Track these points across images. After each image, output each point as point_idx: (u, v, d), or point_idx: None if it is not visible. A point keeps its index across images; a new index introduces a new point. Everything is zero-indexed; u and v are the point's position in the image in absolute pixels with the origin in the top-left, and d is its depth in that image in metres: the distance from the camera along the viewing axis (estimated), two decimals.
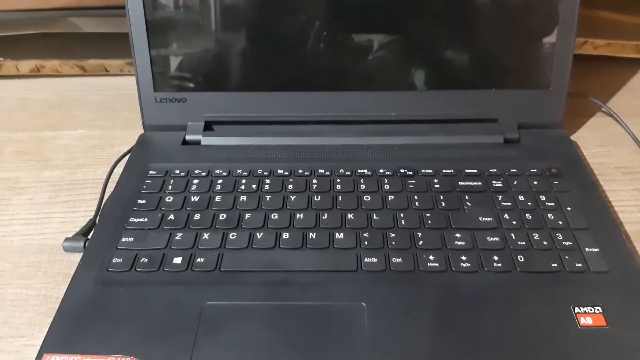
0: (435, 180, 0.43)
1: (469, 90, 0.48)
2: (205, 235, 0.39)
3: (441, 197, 0.42)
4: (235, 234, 0.39)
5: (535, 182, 0.43)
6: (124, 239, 0.39)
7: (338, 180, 0.43)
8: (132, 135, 0.50)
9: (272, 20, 0.47)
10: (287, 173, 0.44)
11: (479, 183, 0.43)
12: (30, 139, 0.54)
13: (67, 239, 0.40)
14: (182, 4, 0.47)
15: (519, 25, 0.47)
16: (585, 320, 0.33)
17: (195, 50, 0.48)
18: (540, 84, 0.48)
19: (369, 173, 0.44)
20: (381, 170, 0.44)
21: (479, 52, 0.48)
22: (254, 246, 0.38)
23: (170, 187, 0.43)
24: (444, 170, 0.44)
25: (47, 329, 0.33)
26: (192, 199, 0.42)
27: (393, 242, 0.38)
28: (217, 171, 0.45)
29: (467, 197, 0.42)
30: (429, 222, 0.40)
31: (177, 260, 0.37)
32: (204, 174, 0.44)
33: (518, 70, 0.49)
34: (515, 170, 0.44)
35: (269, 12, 0.47)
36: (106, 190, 0.45)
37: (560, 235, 0.38)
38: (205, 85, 0.49)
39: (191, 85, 0.49)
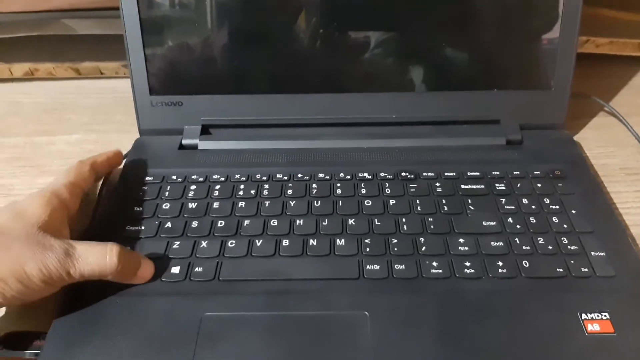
0: (437, 184, 0.42)
1: (471, 91, 0.47)
2: (204, 244, 0.38)
3: (443, 201, 0.41)
4: (234, 241, 0.38)
5: (539, 185, 0.42)
6: None
7: (338, 185, 0.43)
8: (128, 139, 0.49)
9: (269, 22, 0.46)
10: (286, 178, 0.43)
11: (482, 186, 0.42)
12: (24, 145, 0.53)
13: None
14: (178, 5, 0.46)
15: (521, 25, 0.47)
16: (593, 327, 0.32)
17: (191, 52, 0.47)
18: (543, 84, 0.47)
19: (370, 177, 0.43)
20: (382, 174, 0.43)
21: (480, 52, 0.48)
22: (253, 254, 0.37)
23: (167, 193, 0.42)
24: (445, 173, 0.43)
25: None
26: (190, 206, 0.41)
27: (395, 249, 0.37)
28: (215, 176, 0.44)
29: (470, 201, 0.41)
30: (432, 227, 0.39)
31: (175, 269, 0.36)
32: (201, 179, 0.44)
33: (520, 70, 0.48)
34: (518, 173, 0.43)
35: (265, 14, 0.46)
36: (102, 197, 0.44)
37: (565, 239, 0.38)
38: (201, 88, 0.48)
39: (187, 88, 0.48)
